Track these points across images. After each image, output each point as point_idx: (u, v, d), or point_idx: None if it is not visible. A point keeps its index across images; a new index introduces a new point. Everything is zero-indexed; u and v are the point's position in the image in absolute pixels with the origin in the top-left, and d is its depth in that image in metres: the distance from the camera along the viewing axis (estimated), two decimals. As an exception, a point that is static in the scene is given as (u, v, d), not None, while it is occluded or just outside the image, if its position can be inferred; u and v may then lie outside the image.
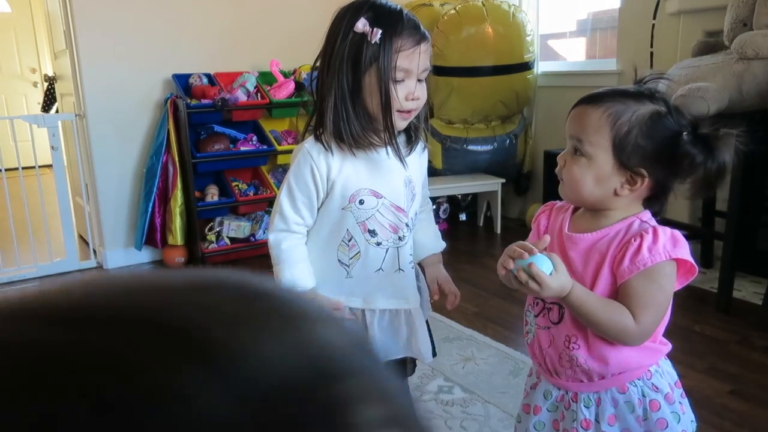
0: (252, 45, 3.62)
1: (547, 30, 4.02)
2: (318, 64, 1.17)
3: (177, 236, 3.36)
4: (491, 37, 3.51)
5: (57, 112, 4.40)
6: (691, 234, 2.70)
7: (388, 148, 1.17)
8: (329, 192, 1.18)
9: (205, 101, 3.31)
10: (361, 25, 1.08)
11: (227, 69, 3.55)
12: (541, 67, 3.87)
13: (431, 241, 1.36)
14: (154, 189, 3.33)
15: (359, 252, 1.22)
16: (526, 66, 3.64)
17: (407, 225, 1.25)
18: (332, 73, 1.12)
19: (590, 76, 3.56)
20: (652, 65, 3.13)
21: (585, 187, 0.98)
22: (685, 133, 0.94)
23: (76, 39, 3.25)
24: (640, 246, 0.94)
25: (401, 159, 1.19)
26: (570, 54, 4.12)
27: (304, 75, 3.53)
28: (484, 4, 3.58)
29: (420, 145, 1.26)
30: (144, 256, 3.52)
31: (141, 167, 3.45)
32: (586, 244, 1.00)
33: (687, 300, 2.54)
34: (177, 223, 3.35)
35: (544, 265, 0.92)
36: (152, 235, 3.39)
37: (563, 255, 1.00)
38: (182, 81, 3.41)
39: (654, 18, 3.11)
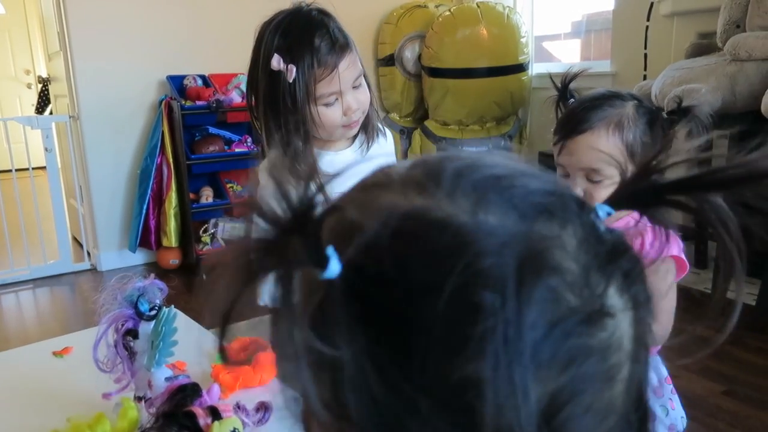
0: (247, 46, 3.56)
1: (541, 32, 4.02)
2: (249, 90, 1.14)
3: (171, 238, 3.35)
4: (486, 39, 3.52)
5: (51, 113, 4.39)
6: (685, 235, 2.71)
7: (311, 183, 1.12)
8: None
9: (199, 103, 3.30)
10: (276, 62, 1.05)
11: (222, 70, 3.54)
12: (536, 68, 3.87)
13: None
14: (149, 191, 3.32)
15: None
16: (521, 67, 3.65)
17: None
18: (258, 109, 1.09)
19: (585, 77, 3.54)
20: (646, 67, 3.14)
21: None
22: (663, 111, 0.99)
23: (70, 40, 3.24)
24: (642, 244, 0.94)
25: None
26: (564, 55, 4.12)
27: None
28: (478, 6, 3.59)
29: (380, 136, 1.23)
30: (138, 258, 3.51)
31: (135, 169, 3.44)
32: None
33: (680, 300, 2.54)
34: (171, 224, 3.35)
35: None
36: (146, 237, 3.38)
37: None
38: (176, 82, 3.40)
39: (648, 20, 3.12)
